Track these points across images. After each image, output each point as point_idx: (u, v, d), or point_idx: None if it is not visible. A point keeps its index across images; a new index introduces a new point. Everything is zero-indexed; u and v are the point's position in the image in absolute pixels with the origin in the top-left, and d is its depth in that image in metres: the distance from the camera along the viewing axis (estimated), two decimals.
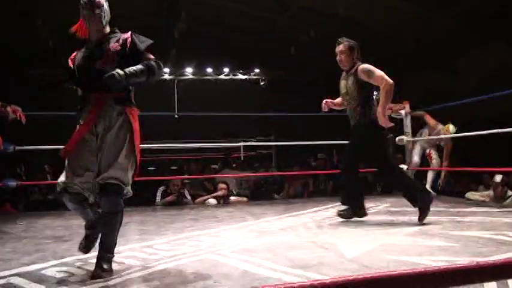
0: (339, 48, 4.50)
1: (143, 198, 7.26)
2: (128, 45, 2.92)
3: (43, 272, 2.79)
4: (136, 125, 3.04)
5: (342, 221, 4.56)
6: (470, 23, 8.70)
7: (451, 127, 6.93)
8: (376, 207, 5.60)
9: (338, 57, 4.51)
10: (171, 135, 10.00)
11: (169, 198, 6.86)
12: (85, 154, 2.80)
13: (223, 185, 7.07)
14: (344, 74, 4.57)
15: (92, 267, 2.78)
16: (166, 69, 12.95)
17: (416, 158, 7.19)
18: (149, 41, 3.01)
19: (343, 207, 4.62)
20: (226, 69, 13.27)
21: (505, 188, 6.60)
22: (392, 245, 3.25)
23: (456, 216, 4.65)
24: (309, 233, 3.94)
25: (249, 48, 12.66)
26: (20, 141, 6.16)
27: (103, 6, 3.05)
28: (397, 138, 7.27)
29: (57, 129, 10.11)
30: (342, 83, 4.57)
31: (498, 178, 6.55)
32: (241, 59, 13.13)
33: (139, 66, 2.83)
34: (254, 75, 13.56)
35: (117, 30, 3.15)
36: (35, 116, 6.48)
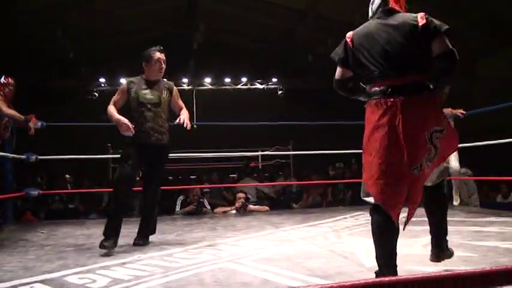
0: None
1: (163, 207, 7.32)
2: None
3: (65, 278, 2.84)
4: None
5: (361, 231, 4.55)
6: (489, 28, 8.65)
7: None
8: None
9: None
10: (190, 144, 10.05)
11: (188, 208, 6.89)
12: None
13: (241, 194, 7.08)
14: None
15: (113, 274, 2.83)
16: (185, 80, 13.06)
17: (456, 164, 6.92)
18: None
19: None
20: (244, 79, 13.35)
21: None
22: (410, 255, 3.24)
23: (475, 226, 4.61)
24: (327, 242, 3.94)
25: (267, 57, 12.72)
26: (41, 151, 6.26)
27: None
28: None
29: (77, 140, 10.33)
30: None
31: None
32: (259, 69, 13.19)
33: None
34: (272, 84, 13.60)
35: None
36: (56, 127, 6.61)
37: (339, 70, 2.64)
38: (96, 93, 12.89)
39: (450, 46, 2.41)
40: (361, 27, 2.62)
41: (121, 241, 4.31)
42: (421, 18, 2.39)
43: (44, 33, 9.50)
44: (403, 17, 2.45)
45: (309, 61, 11.73)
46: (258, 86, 13.50)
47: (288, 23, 10.82)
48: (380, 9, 2.57)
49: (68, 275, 2.92)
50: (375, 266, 2.87)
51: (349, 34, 2.62)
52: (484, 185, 8.34)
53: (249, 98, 13.11)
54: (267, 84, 13.60)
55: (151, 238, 4.38)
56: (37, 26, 9.12)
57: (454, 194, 6.84)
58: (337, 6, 9.36)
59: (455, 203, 6.76)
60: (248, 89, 13.53)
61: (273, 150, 10.80)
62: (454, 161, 6.79)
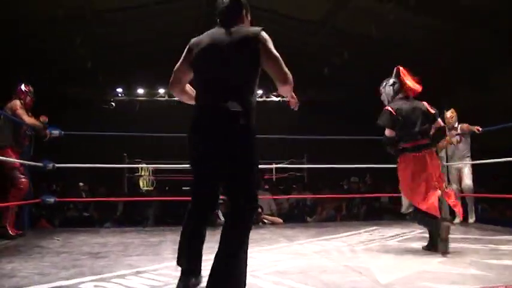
0: None
1: (178, 218, 7.35)
2: None
3: (81, 286, 2.86)
4: None
5: (376, 246, 4.53)
6: (506, 41, 8.60)
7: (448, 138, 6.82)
8: (410, 233, 5.52)
9: None
10: None
11: None
12: None
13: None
14: None
15: (128, 283, 2.85)
16: None
17: (470, 181, 6.76)
18: None
19: None
20: (260, 92, 13.39)
21: None
22: (426, 272, 3.21)
23: (490, 244, 4.56)
24: (342, 257, 3.92)
25: None
26: (56, 159, 6.32)
27: None
28: None
29: (93, 148, 10.42)
30: None
31: None
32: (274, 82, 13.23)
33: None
34: (287, 97, 13.64)
35: None
36: (72, 135, 6.69)
37: (388, 131, 4.23)
38: (113, 103, 13.00)
39: (443, 124, 4.44)
40: (392, 104, 4.30)
41: (136, 250, 4.35)
42: (430, 107, 4.29)
43: (63, 42, 9.62)
44: (419, 103, 4.29)
45: (324, 73, 11.74)
46: (273, 98, 13.53)
47: (304, 35, 10.86)
48: (400, 95, 4.35)
49: (84, 282, 2.94)
50: (389, 283, 2.86)
51: (388, 107, 4.28)
52: (499, 202, 8.24)
53: (265, 111, 13.14)
54: (282, 97, 13.62)
55: (167, 246, 4.38)
56: (56, 35, 9.25)
57: (468, 211, 6.77)
58: (353, 19, 9.40)
59: (471, 220, 6.68)
60: (264, 101, 13.56)
61: (287, 163, 10.79)
62: (467, 178, 6.75)
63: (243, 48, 2.52)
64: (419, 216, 4.19)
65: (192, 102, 2.72)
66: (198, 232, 2.87)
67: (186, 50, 2.69)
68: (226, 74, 2.50)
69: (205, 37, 2.63)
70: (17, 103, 5.47)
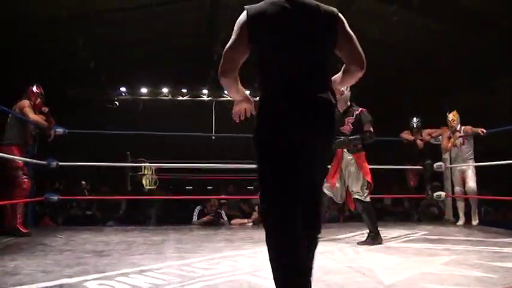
0: None
1: (180, 217, 7.38)
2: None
3: (85, 284, 2.86)
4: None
5: (379, 247, 4.52)
6: (510, 41, 8.58)
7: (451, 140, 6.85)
8: (413, 235, 5.51)
9: None
10: (209, 155, 10.11)
11: (206, 218, 6.91)
12: None
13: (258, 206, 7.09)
14: None
15: (132, 282, 2.85)
16: (205, 91, 13.14)
17: (473, 184, 6.77)
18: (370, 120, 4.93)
19: None
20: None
21: None
22: (430, 273, 3.20)
23: (494, 246, 4.55)
24: (345, 258, 3.92)
25: None
26: (60, 157, 6.34)
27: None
28: (435, 165, 7.16)
29: (96, 147, 10.43)
30: None
31: None
32: None
33: (358, 136, 4.84)
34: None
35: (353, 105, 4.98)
36: (75, 134, 6.70)
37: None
38: (116, 102, 13.02)
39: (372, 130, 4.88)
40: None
41: (139, 249, 4.35)
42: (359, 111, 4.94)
43: (65, 42, 9.63)
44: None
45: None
46: None
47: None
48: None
49: (87, 280, 2.94)
50: (393, 284, 2.86)
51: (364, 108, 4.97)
52: (503, 204, 8.22)
53: None
54: None
55: (170, 246, 4.38)
56: (59, 35, 9.25)
57: (472, 213, 6.76)
58: (357, 20, 9.37)
59: (474, 223, 6.67)
60: None
61: None
62: (470, 181, 6.74)
63: (323, 26, 2.13)
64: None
65: (237, 95, 2.32)
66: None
67: (240, 24, 2.16)
68: (309, 56, 2.10)
69: (269, 9, 2.11)
70: (25, 103, 5.53)
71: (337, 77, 2.31)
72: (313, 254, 2.14)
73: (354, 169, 4.91)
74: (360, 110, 4.90)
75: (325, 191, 4.91)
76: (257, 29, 2.11)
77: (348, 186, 4.99)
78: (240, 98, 2.33)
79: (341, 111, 4.89)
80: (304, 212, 2.04)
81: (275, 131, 2.07)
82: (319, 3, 2.17)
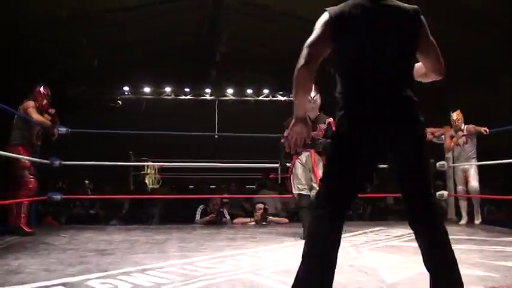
0: None
1: (183, 216, 7.40)
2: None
3: (87, 283, 2.87)
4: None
5: (381, 246, 4.53)
6: (510, 43, 8.56)
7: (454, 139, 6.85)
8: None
9: None
10: (211, 154, 10.12)
11: (208, 217, 6.92)
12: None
13: (260, 205, 7.09)
14: None
15: (134, 280, 2.86)
16: (207, 90, 13.15)
17: (476, 183, 6.76)
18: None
19: None
20: (266, 91, 13.39)
21: None
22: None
23: (496, 245, 4.54)
24: (348, 257, 3.91)
25: (289, 69, 12.71)
26: (63, 156, 6.36)
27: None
28: (437, 164, 7.15)
29: (99, 146, 10.45)
30: None
31: None
32: (281, 80, 13.23)
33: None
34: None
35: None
36: (78, 133, 6.72)
37: None
38: (119, 101, 13.03)
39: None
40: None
41: (142, 248, 4.36)
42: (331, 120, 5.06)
43: (69, 41, 9.65)
44: None
45: (330, 74, 11.72)
46: (280, 97, 13.53)
47: (308, 35, 10.84)
48: None
49: (90, 279, 2.95)
50: (396, 283, 2.86)
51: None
52: (506, 204, 8.21)
53: (271, 110, 13.14)
54: (289, 96, 13.62)
55: (172, 244, 4.39)
56: (62, 34, 9.27)
57: (475, 212, 6.76)
58: None
59: (477, 222, 6.67)
60: (270, 100, 13.56)
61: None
62: (473, 180, 6.72)
63: (409, 26, 2.09)
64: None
65: (301, 105, 2.17)
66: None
67: (322, 23, 2.12)
68: (394, 56, 2.07)
69: (351, 9, 2.07)
70: (30, 103, 5.56)
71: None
72: None
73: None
74: (330, 119, 5.30)
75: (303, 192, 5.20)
76: (340, 29, 2.09)
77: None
78: (301, 114, 2.14)
79: (312, 118, 5.13)
80: None
81: (361, 130, 2.05)
82: (401, 4, 2.13)
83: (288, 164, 5.44)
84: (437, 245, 2.08)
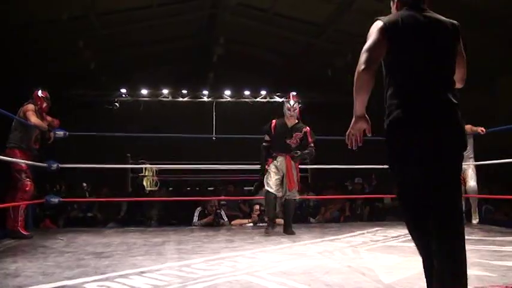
0: None
1: (181, 218, 7.39)
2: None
3: (85, 286, 2.87)
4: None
5: (379, 247, 4.53)
6: (508, 44, 8.57)
7: None
8: None
9: None
10: (209, 156, 10.11)
11: (206, 219, 6.92)
12: None
13: (257, 206, 7.10)
14: None
15: (131, 283, 2.87)
16: (205, 92, 13.14)
17: (474, 182, 6.74)
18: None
19: None
20: (263, 92, 13.39)
21: None
22: None
23: (494, 245, 4.55)
24: (345, 258, 3.93)
25: (286, 71, 12.76)
26: (60, 159, 6.35)
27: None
28: None
29: (96, 149, 10.44)
30: None
31: None
32: (279, 82, 13.24)
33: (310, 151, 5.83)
34: None
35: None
36: (75, 136, 6.71)
37: None
38: (117, 104, 13.01)
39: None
40: None
41: (140, 250, 4.36)
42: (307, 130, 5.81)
43: (66, 43, 9.64)
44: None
45: (328, 75, 11.74)
46: (277, 99, 13.52)
47: (308, 37, 10.86)
48: None
49: (88, 282, 2.95)
50: (393, 283, 2.87)
51: None
52: (503, 203, 8.21)
53: (268, 111, 13.12)
54: (286, 98, 13.61)
55: (170, 247, 4.39)
56: (59, 36, 9.26)
57: (472, 212, 6.76)
58: (357, 21, 9.38)
59: (474, 221, 6.68)
60: (267, 101, 13.55)
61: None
62: (471, 180, 6.73)
63: (451, 37, 2.29)
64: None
65: (362, 105, 2.26)
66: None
67: (377, 30, 2.26)
68: (442, 63, 2.25)
69: (403, 18, 2.26)
70: (29, 107, 5.56)
71: None
72: None
73: (295, 172, 5.80)
74: (307, 128, 5.86)
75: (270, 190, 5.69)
76: (394, 36, 2.24)
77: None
78: (360, 112, 2.27)
79: (289, 126, 5.81)
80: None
81: (417, 130, 2.18)
82: (441, 16, 2.33)
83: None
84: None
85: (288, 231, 5.71)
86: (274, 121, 6.00)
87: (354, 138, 2.28)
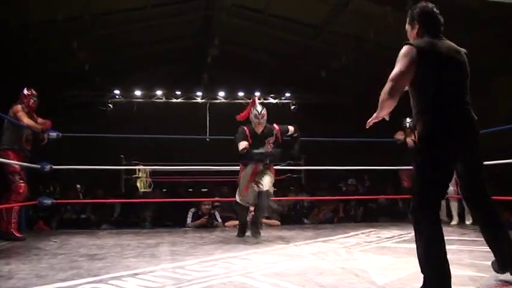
0: None
1: (175, 220, 7.38)
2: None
3: None
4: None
5: (372, 248, 4.54)
6: (508, 46, 8.59)
7: None
8: (407, 235, 5.53)
9: None
10: (202, 157, 10.10)
11: (200, 221, 6.92)
12: None
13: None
14: None
15: (125, 285, 2.87)
16: (199, 93, 13.13)
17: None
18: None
19: None
20: (257, 93, 13.39)
21: None
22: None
23: (487, 246, 4.56)
24: (339, 259, 3.93)
25: (281, 72, 12.77)
26: (53, 161, 6.34)
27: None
28: None
29: (89, 150, 10.41)
30: None
31: None
32: (273, 83, 13.25)
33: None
34: (285, 99, 13.64)
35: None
36: (69, 137, 6.70)
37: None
38: (110, 105, 12.98)
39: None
40: None
41: (133, 252, 4.35)
42: (277, 130, 5.72)
43: (60, 44, 9.61)
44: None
45: (322, 76, 11.75)
46: (271, 100, 13.53)
47: (303, 38, 10.86)
48: None
49: (81, 284, 2.94)
50: (386, 284, 2.88)
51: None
52: (497, 204, 8.23)
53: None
54: (280, 99, 13.62)
55: (164, 249, 4.38)
56: (54, 37, 9.23)
57: (465, 213, 6.79)
58: (352, 23, 9.40)
59: (468, 222, 6.71)
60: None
61: (285, 165, 10.79)
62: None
63: (467, 62, 2.80)
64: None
65: (386, 112, 2.77)
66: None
67: (408, 55, 2.62)
68: (465, 83, 2.76)
69: (429, 44, 2.70)
70: (18, 107, 5.57)
71: None
72: None
73: (269, 174, 5.58)
74: (276, 128, 5.75)
75: (238, 200, 5.71)
76: (424, 59, 2.61)
77: (257, 183, 5.45)
78: (383, 114, 2.82)
79: (259, 133, 5.60)
80: None
81: (448, 143, 2.61)
82: (452, 43, 2.83)
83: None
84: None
85: (252, 229, 5.42)
86: (247, 130, 5.61)
87: (373, 121, 2.90)
